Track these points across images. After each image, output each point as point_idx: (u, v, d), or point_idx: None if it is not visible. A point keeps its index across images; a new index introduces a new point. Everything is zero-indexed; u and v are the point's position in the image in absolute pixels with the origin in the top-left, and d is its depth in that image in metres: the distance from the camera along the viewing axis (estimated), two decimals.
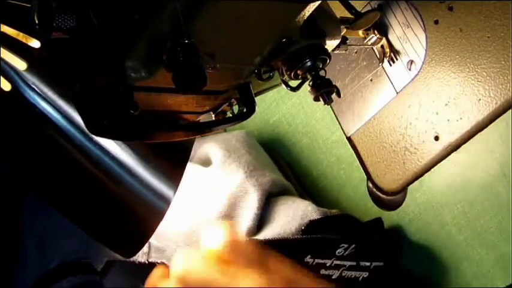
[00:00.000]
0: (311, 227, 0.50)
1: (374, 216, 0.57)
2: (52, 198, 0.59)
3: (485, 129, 0.48)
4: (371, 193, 0.58)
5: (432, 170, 0.52)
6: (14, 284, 0.68)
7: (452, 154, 0.51)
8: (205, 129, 0.42)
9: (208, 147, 0.53)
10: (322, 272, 0.49)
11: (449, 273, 0.53)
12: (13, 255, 0.68)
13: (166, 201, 0.51)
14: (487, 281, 0.51)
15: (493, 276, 0.51)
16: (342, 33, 0.45)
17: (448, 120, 0.50)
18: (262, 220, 0.51)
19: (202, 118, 0.45)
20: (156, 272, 0.52)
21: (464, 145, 0.50)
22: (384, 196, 0.57)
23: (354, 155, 0.58)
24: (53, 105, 0.51)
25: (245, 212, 0.50)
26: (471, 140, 0.49)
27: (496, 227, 0.50)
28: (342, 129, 0.59)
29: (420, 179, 0.53)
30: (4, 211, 0.69)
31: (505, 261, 0.50)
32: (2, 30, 0.49)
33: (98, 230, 0.57)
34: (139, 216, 0.52)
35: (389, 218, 0.57)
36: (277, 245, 0.49)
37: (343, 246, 0.49)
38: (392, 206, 0.57)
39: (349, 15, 0.42)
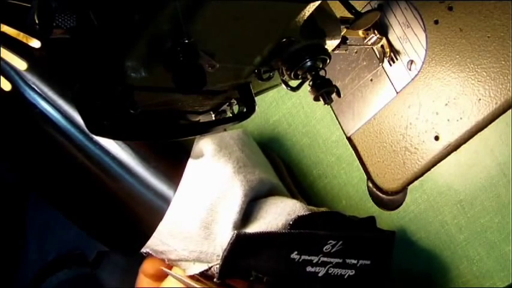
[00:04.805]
0: (299, 222, 0.50)
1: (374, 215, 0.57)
2: (52, 198, 0.59)
3: (485, 129, 0.48)
4: (371, 193, 0.58)
5: (432, 170, 0.52)
6: (16, 277, 0.68)
7: (452, 154, 0.51)
8: (205, 129, 0.42)
9: (202, 142, 0.53)
10: (309, 269, 0.49)
11: (449, 273, 0.53)
12: (15, 249, 0.69)
13: (166, 201, 0.51)
14: (487, 281, 0.51)
15: (493, 276, 0.51)
16: (342, 33, 0.45)
17: (448, 120, 0.50)
18: (249, 218, 0.51)
19: (202, 118, 0.45)
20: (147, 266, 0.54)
21: (464, 145, 0.50)
22: (384, 196, 0.57)
23: (354, 154, 0.58)
24: (53, 105, 0.51)
25: (230, 206, 0.50)
26: (471, 140, 0.49)
27: (496, 227, 0.50)
28: (342, 129, 0.59)
29: (420, 179, 0.53)
30: (8, 207, 0.69)
31: (505, 261, 0.50)
32: (2, 30, 0.49)
33: (98, 229, 0.57)
34: (139, 216, 0.53)
35: (389, 217, 0.57)
36: (264, 240, 0.48)
37: (330, 243, 0.49)
38: (393, 205, 0.57)
39: (349, 15, 0.42)
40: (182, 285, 0.52)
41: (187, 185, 0.51)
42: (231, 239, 0.47)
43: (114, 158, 0.51)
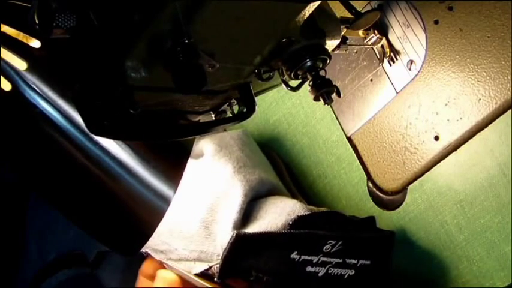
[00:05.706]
0: (299, 222, 0.50)
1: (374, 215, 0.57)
2: (52, 198, 0.59)
3: (485, 129, 0.48)
4: (371, 193, 0.58)
5: (432, 170, 0.52)
6: (16, 277, 0.68)
7: (452, 154, 0.51)
8: (205, 129, 0.42)
9: (202, 142, 0.54)
10: (308, 269, 0.49)
11: (449, 273, 0.53)
12: (15, 249, 0.69)
13: (166, 201, 0.51)
14: (487, 281, 0.51)
15: (493, 276, 0.51)
16: (342, 33, 0.45)
17: (448, 120, 0.50)
18: (249, 218, 0.51)
19: (202, 118, 0.45)
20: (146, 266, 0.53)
21: (464, 145, 0.50)
22: (384, 196, 0.57)
23: (354, 154, 0.58)
24: (53, 105, 0.51)
25: (230, 206, 0.50)
26: (471, 140, 0.49)
27: (496, 227, 0.50)
28: (342, 129, 0.59)
29: (420, 179, 0.53)
30: (8, 207, 0.69)
31: (505, 261, 0.50)
32: (2, 30, 0.49)
33: (98, 229, 0.57)
34: (139, 216, 0.53)
35: (389, 217, 0.57)
36: (263, 240, 0.48)
37: (330, 243, 0.49)
38: (393, 205, 0.57)
39: (349, 15, 0.42)
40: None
41: (187, 185, 0.51)
42: (231, 239, 0.47)
43: (114, 158, 0.51)
